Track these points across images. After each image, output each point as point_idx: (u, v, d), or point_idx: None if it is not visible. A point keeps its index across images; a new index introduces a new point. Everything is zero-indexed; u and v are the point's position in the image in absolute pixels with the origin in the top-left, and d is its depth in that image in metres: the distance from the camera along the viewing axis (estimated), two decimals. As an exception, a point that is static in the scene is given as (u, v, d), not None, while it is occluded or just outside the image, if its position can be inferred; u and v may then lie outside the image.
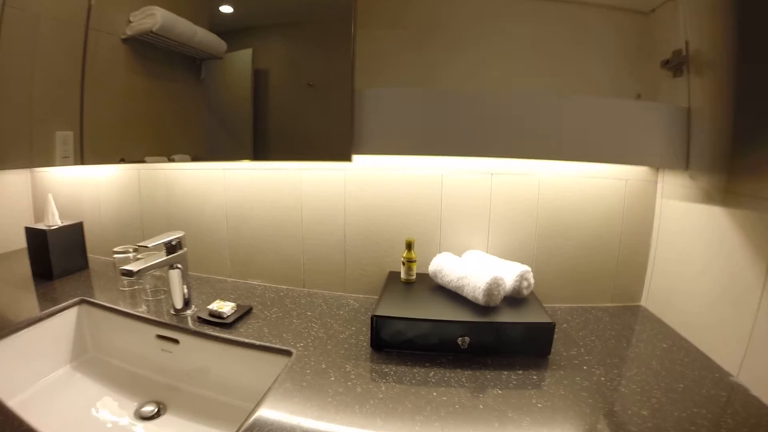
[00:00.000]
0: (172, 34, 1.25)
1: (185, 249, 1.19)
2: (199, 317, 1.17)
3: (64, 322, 1.25)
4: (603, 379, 0.95)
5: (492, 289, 1.05)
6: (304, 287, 1.42)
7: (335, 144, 1.18)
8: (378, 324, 1.03)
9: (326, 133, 1.21)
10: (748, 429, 0.79)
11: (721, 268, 1.02)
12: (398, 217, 1.33)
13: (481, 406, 0.85)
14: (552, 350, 1.03)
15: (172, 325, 1.15)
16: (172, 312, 1.20)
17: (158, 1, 1.24)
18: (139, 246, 1.12)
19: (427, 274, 1.24)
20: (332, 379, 0.93)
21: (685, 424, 0.79)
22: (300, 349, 1.04)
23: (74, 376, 1.20)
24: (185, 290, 1.19)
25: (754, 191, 0.94)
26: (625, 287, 1.34)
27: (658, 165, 1.21)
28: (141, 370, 1.21)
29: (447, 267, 1.17)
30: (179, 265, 1.18)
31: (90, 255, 1.59)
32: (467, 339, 1.01)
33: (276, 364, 1.04)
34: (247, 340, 1.07)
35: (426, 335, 1.02)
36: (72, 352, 1.25)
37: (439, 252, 1.30)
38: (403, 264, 1.24)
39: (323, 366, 0.97)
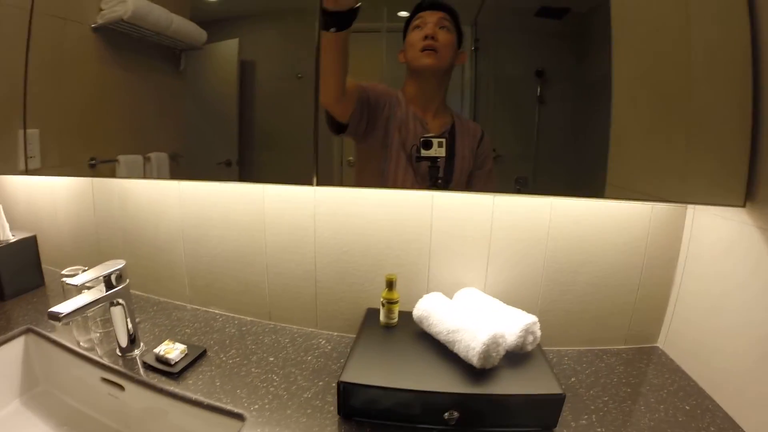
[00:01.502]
0: (145, 23, 1.07)
1: (127, 281, 0.97)
2: (144, 362, 0.95)
3: (11, 354, 1.08)
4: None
5: (490, 350, 0.80)
6: (270, 320, 1.18)
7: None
8: (346, 391, 0.80)
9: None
10: None
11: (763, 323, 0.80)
12: (378, 245, 1.08)
13: None
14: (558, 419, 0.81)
15: (116, 370, 0.95)
16: (118, 352, 0.99)
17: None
18: (66, 283, 0.93)
19: (411, 314, 0.99)
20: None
21: None
22: (254, 413, 0.82)
23: (24, 414, 1.04)
24: (129, 327, 0.98)
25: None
26: (641, 327, 1.10)
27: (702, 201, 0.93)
28: (92, 411, 1.03)
29: (435, 314, 0.93)
30: (121, 301, 0.96)
31: (48, 267, 1.38)
32: (455, 414, 0.77)
33: (227, 428, 0.83)
34: (193, 396, 0.86)
35: (406, 405, 0.79)
36: (22, 385, 1.09)
37: (428, 288, 1.06)
38: (383, 305, 1.00)
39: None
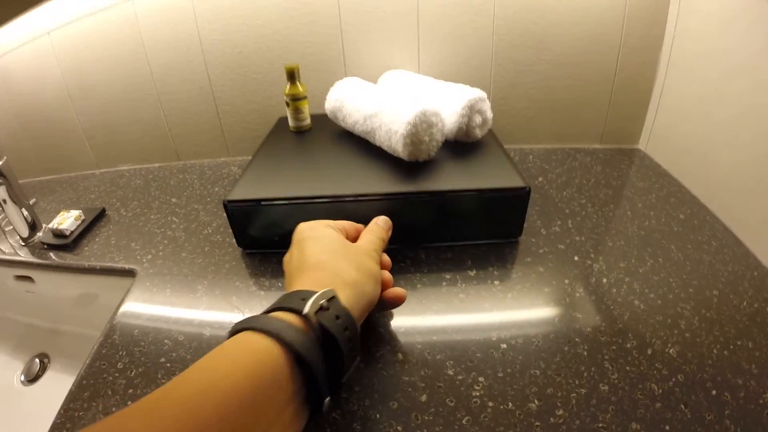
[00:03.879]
0: None
1: (4, 159, 0.72)
2: (42, 242, 0.73)
3: None
4: (605, 281, 0.53)
5: (420, 133, 0.56)
6: (179, 160, 0.95)
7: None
8: (236, 214, 0.58)
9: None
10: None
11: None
12: (277, 35, 0.81)
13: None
14: (524, 226, 0.60)
15: (18, 262, 0.72)
16: (21, 243, 0.75)
17: None
18: None
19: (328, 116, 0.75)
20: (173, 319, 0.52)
21: (730, 374, 0.41)
22: (146, 264, 0.62)
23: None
24: (24, 211, 0.74)
25: None
26: (620, 123, 0.86)
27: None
28: (20, 316, 0.83)
29: (351, 101, 0.67)
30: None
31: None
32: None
33: (121, 289, 0.62)
34: (86, 264, 0.65)
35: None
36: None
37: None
38: (288, 105, 0.74)
39: (167, 292, 0.56)
